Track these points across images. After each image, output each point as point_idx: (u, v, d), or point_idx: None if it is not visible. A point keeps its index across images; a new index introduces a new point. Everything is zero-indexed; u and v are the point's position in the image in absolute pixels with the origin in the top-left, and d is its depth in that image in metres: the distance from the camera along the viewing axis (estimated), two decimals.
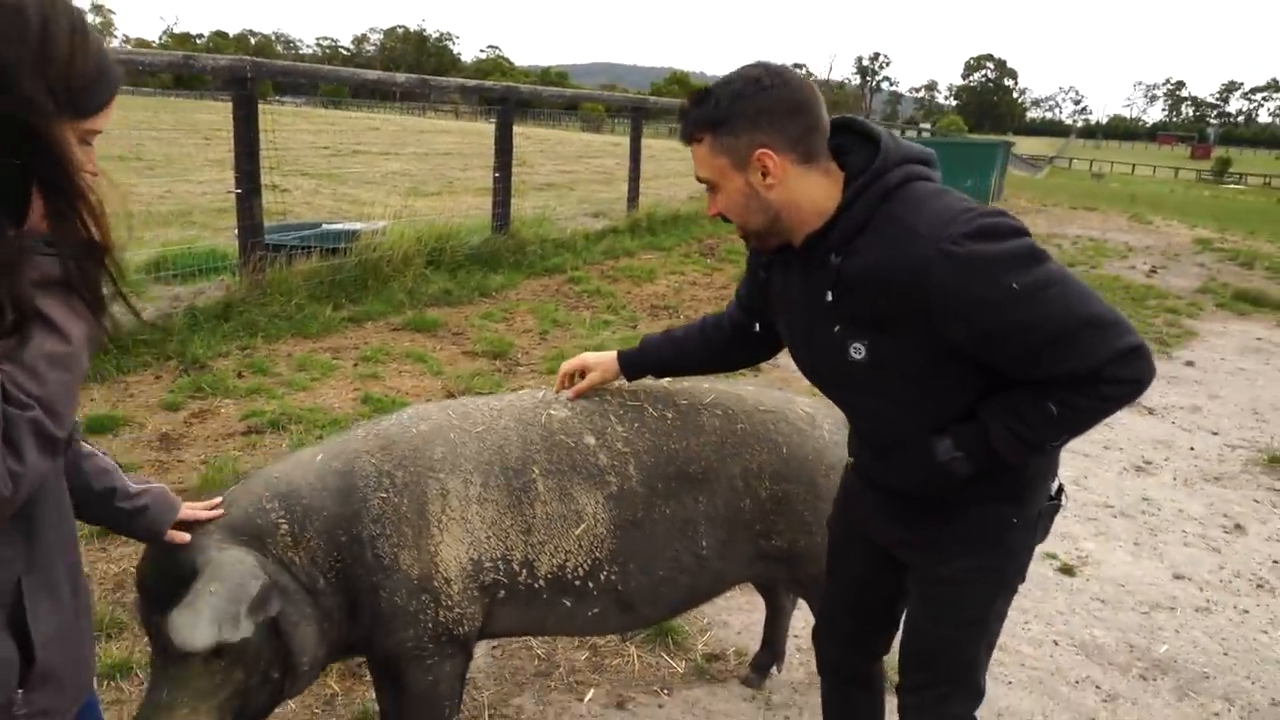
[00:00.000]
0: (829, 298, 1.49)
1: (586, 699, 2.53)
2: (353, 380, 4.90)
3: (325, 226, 7.47)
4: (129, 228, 1.16)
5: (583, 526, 1.93)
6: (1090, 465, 4.55)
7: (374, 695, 2.33)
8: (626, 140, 11.77)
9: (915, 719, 1.73)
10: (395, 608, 1.79)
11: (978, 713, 1.75)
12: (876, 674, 1.96)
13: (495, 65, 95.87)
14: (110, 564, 2.97)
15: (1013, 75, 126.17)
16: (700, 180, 1.53)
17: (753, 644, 2.76)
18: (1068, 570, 3.45)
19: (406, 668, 1.86)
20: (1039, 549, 3.40)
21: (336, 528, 1.76)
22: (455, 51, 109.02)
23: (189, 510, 1.65)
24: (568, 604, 1.97)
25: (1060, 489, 1.66)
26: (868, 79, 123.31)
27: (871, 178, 1.44)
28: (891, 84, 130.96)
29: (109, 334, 1.13)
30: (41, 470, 1.02)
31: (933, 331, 1.41)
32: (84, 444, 1.48)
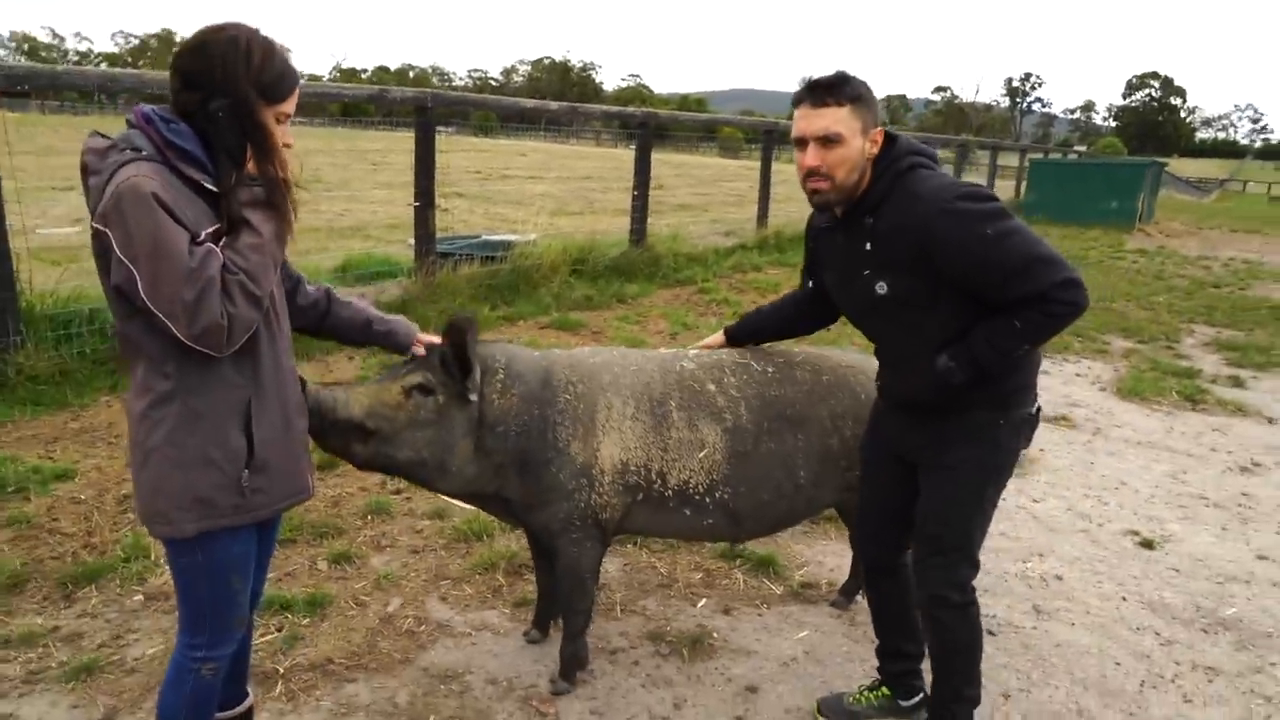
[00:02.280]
0: (867, 247, 2.06)
1: (699, 605, 3.10)
2: None
3: (484, 237, 8.40)
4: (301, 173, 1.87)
5: (705, 451, 2.49)
6: (1193, 464, 4.73)
7: (532, 588, 2.98)
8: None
9: (927, 585, 2.19)
10: (559, 482, 2.39)
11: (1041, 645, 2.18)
12: (902, 565, 2.42)
13: (635, 94, 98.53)
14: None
15: (1180, 93, 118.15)
16: (821, 137, 1.99)
17: (842, 578, 3.24)
18: (1148, 544, 3.74)
19: (558, 538, 2.46)
20: (1120, 527, 3.78)
21: (533, 402, 2.38)
22: (598, 81, 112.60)
23: (423, 336, 2.30)
24: (688, 513, 2.53)
25: (1039, 409, 2.16)
26: (1018, 101, 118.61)
27: (889, 164, 2.04)
28: (1044, 105, 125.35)
29: (290, 232, 1.83)
30: (246, 315, 1.68)
31: (933, 269, 1.96)
32: (340, 298, 2.20)
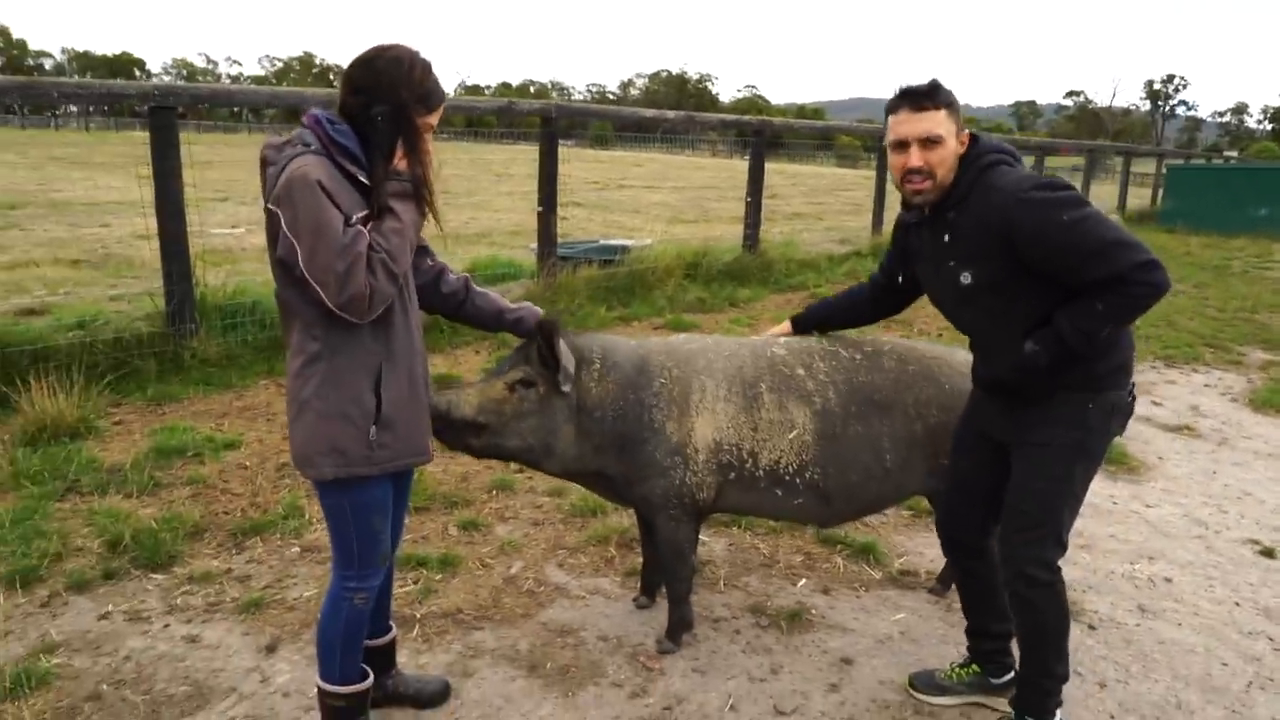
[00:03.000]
0: (946, 239, 2.20)
1: (799, 584, 3.25)
2: None
3: (602, 242, 8.75)
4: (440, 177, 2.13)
5: (795, 433, 2.64)
6: None
7: (640, 560, 3.20)
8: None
9: (1014, 563, 2.25)
10: (655, 460, 2.59)
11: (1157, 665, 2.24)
12: (989, 548, 2.48)
13: (751, 104, 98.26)
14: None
15: None
16: (923, 138, 2.15)
17: (941, 567, 3.31)
18: (1268, 553, 3.64)
19: (656, 514, 2.66)
20: (1240, 535, 3.71)
21: (628, 387, 2.59)
22: (714, 92, 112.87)
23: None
24: (779, 493, 2.68)
25: (1134, 397, 2.23)
26: (1159, 104, 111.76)
27: (970, 162, 2.17)
28: (1190, 108, 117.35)
29: (425, 221, 2.08)
30: (385, 289, 1.93)
31: (1014, 257, 2.07)
32: (477, 289, 2.46)
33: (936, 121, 2.15)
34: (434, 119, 2.06)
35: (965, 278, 2.19)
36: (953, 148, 2.17)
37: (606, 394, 2.58)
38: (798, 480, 2.66)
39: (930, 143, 2.16)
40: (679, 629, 2.81)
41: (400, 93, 1.97)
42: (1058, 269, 2.07)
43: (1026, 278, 2.11)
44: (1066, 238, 2.01)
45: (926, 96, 2.17)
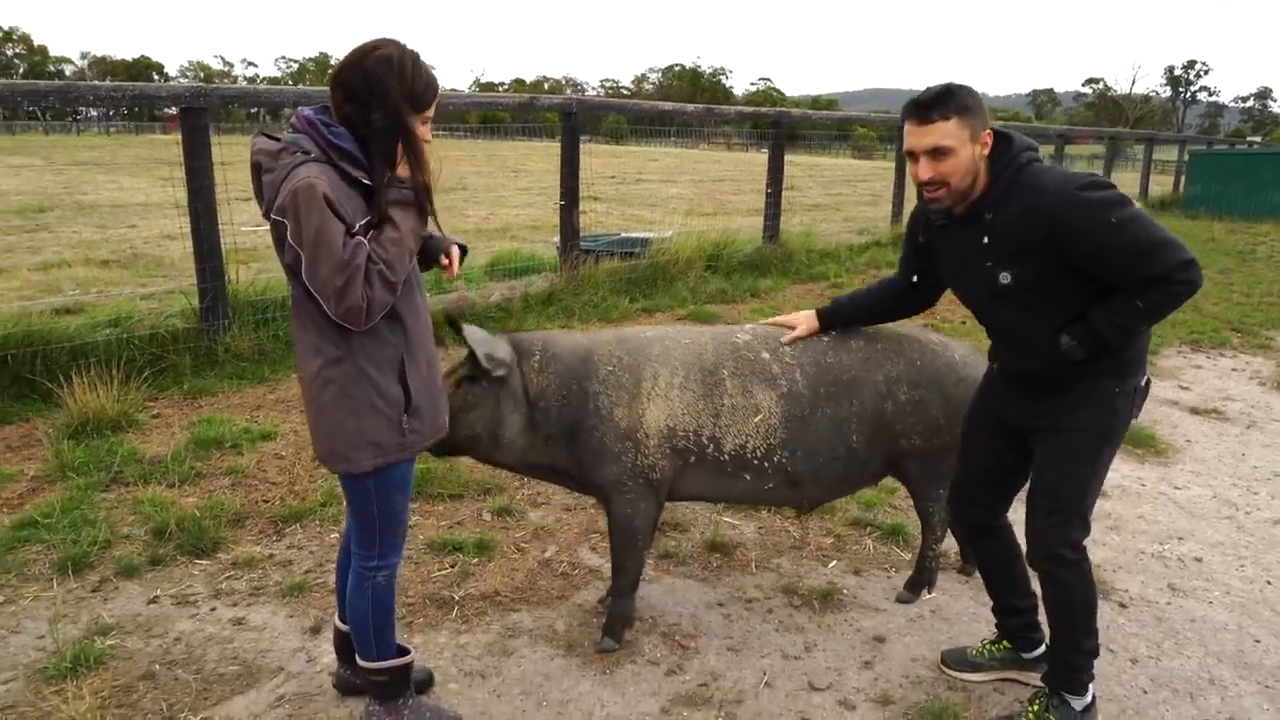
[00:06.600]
0: (985, 241, 2.18)
1: (830, 566, 3.29)
2: None
3: (623, 235, 8.79)
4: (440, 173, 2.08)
5: (760, 416, 2.63)
6: None
7: (672, 543, 3.25)
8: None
9: (1043, 544, 2.27)
10: (605, 446, 2.58)
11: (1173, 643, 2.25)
12: (1003, 525, 2.52)
13: (766, 96, 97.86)
14: None
15: None
16: (932, 149, 2.12)
17: None
18: None
19: (611, 497, 2.64)
20: (1270, 515, 3.72)
21: (570, 377, 2.59)
22: (728, 85, 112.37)
23: (454, 252, 2.27)
24: (748, 478, 2.68)
25: (1148, 381, 2.27)
26: (1180, 90, 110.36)
27: (1008, 162, 2.15)
28: (1211, 94, 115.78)
29: (426, 228, 2.07)
30: (382, 299, 1.94)
31: (1058, 256, 2.08)
32: None
33: (943, 133, 2.11)
34: (429, 113, 2.04)
35: (1004, 278, 2.18)
36: (968, 155, 2.12)
37: (548, 384, 2.59)
38: (766, 464, 2.65)
39: (939, 153, 2.13)
40: (618, 624, 2.75)
41: (392, 95, 1.95)
42: (1102, 268, 2.08)
43: (1067, 276, 2.11)
44: (1114, 239, 2.02)
45: (931, 107, 2.12)
